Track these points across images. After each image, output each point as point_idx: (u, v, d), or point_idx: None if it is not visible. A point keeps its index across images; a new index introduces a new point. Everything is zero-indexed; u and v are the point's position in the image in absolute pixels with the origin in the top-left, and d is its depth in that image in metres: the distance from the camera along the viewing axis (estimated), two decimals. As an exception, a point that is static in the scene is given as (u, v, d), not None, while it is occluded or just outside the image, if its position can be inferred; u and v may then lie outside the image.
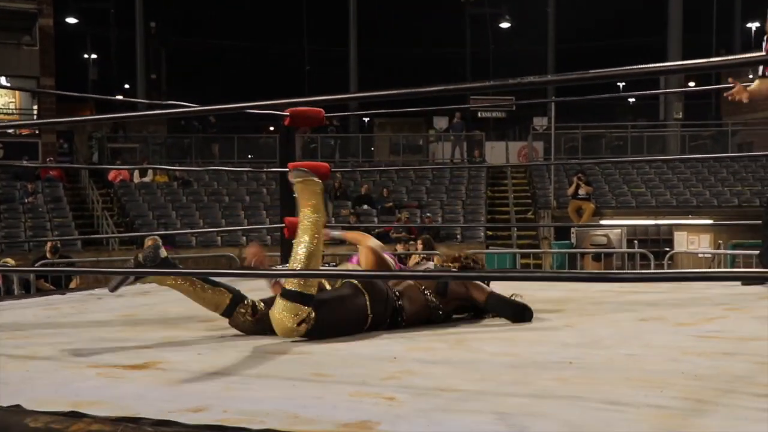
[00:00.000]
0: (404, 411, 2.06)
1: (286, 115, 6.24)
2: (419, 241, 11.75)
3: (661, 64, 1.94)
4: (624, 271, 3.33)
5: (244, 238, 17.17)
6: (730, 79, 4.43)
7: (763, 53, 1.60)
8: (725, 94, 4.66)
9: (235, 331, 3.38)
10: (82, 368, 2.66)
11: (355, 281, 3.37)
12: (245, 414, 2.02)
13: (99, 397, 2.22)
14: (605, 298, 4.44)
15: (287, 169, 6.27)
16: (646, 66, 1.93)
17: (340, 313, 3.26)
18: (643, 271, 3.10)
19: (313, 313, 3.15)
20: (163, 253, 3.22)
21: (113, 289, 3.23)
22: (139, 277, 3.26)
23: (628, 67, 2.02)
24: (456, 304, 3.66)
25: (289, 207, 6.43)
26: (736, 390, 2.26)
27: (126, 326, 3.61)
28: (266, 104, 3.12)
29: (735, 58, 1.74)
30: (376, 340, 3.19)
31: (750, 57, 1.67)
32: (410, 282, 3.54)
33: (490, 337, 3.22)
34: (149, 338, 3.26)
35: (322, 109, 6.39)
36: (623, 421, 1.94)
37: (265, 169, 16.26)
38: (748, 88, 4.46)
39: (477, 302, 3.65)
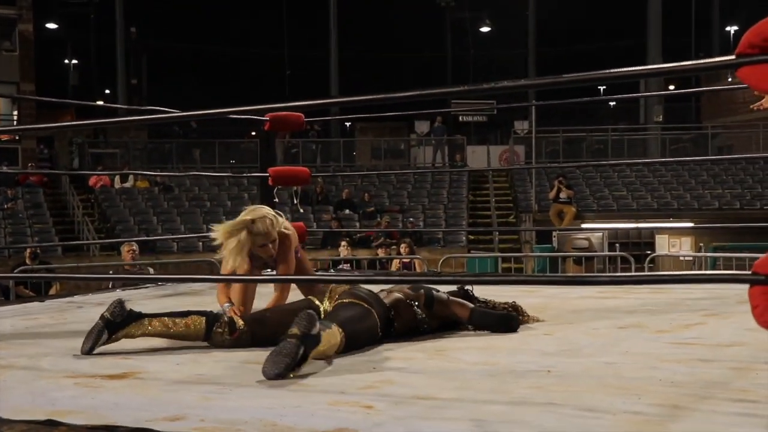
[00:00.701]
0: (381, 419, 2.07)
1: (266, 120, 6.25)
2: (404, 245, 11.77)
3: (639, 68, 1.96)
4: (598, 275, 3.31)
5: (226, 243, 17.09)
6: (755, 92, 4.46)
7: (734, 58, 1.62)
8: (753, 107, 4.70)
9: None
10: (60, 378, 2.65)
11: (359, 301, 3.28)
12: (222, 423, 2.02)
13: (75, 406, 2.21)
14: (584, 305, 4.45)
15: (267, 174, 6.30)
16: (623, 69, 1.93)
17: (362, 335, 3.16)
18: (618, 274, 3.11)
19: (344, 338, 3.01)
20: (128, 306, 3.20)
21: (88, 351, 3.09)
22: (112, 335, 3.17)
23: (607, 71, 2.03)
24: (441, 320, 3.63)
25: (270, 213, 6.43)
26: (712, 396, 2.28)
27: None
28: (246, 109, 3.14)
29: (712, 61, 1.76)
30: (356, 350, 3.18)
31: (725, 60, 1.68)
32: (398, 295, 3.49)
33: (468, 347, 3.22)
34: (128, 348, 3.24)
35: (301, 114, 6.39)
36: (599, 427, 1.95)
37: (245, 174, 16.20)
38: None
39: (461, 320, 3.61)
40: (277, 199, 6.50)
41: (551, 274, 11.67)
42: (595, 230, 16.30)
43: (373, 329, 3.23)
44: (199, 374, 2.71)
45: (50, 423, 1.97)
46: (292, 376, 2.59)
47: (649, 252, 13.55)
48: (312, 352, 2.71)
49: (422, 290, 3.54)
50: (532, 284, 3.94)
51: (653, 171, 21.80)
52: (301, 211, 18.47)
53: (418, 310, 3.48)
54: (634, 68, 1.88)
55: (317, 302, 3.41)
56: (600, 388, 2.40)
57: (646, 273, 9.82)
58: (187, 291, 5.37)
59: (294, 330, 2.69)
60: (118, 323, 3.16)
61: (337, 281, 3.56)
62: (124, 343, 3.38)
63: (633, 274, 3.91)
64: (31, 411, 2.13)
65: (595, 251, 14.80)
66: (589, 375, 2.62)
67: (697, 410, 2.11)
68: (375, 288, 3.51)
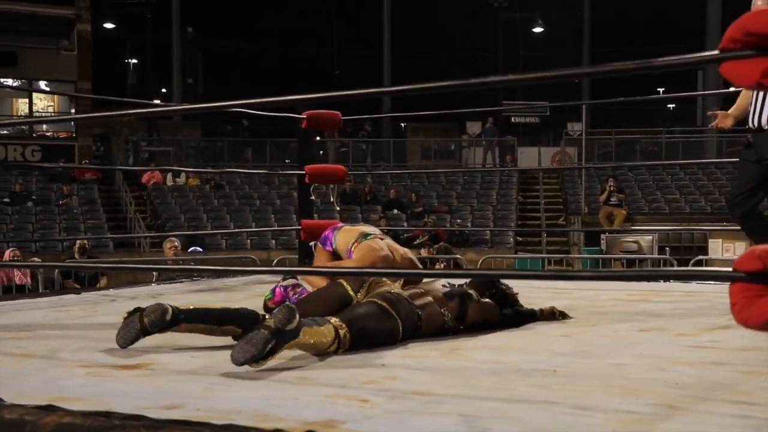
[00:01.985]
0: (373, 412, 2.09)
1: (303, 118, 6.32)
2: (424, 250, 11.79)
3: (635, 63, 1.94)
4: (580, 270, 3.29)
5: (273, 241, 17.28)
6: (708, 113, 4.42)
7: (717, 53, 1.60)
8: (711, 125, 4.67)
9: (234, 336, 3.40)
10: (74, 367, 2.72)
11: (382, 301, 3.20)
12: (217, 412, 2.06)
13: (81, 394, 2.27)
14: (612, 307, 4.41)
15: (304, 172, 6.37)
16: (627, 63, 1.91)
17: (375, 335, 3.11)
18: (600, 270, 3.04)
19: (348, 335, 2.97)
20: (169, 314, 3.04)
21: (123, 346, 3.01)
22: (147, 333, 3.04)
23: (662, 59, 1.94)
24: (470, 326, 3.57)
25: (306, 209, 6.49)
26: (713, 398, 2.26)
27: (129, 327, 3.66)
28: (278, 100, 3.11)
29: (695, 56, 1.75)
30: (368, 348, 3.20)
31: (709, 55, 1.67)
32: (431, 299, 3.39)
33: (483, 345, 3.21)
34: (148, 341, 3.29)
35: (338, 113, 6.46)
36: (587, 425, 1.95)
37: (279, 172, 16.35)
38: (730, 111, 4.45)
39: (491, 325, 3.58)
40: (313, 197, 6.55)
41: (531, 269, 11.38)
42: (645, 233, 16.08)
43: (392, 332, 3.16)
44: (210, 366, 2.75)
45: (48, 408, 2.03)
46: (256, 367, 2.59)
47: (701, 257, 13.33)
48: (286, 345, 2.68)
49: (457, 298, 3.44)
50: (512, 278, 3.87)
51: (708, 173, 21.43)
52: (338, 209, 18.51)
53: (448, 321, 3.41)
54: (628, 63, 1.87)
55: (351, 291, 3.38)
56: (602, 388, 2.39)
57: (629, 269, 9.64)
58: (221, 287, 5.45)
59: (269, 322, 2.69)
60: (154, 332, 3.06)
61: (377, 274, 3.48)
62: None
63: (612, 270, 3.82)
64: (37, 397, 2.19)
65: (645, 254, 14.62)
66: (594, 375, 2.61)
67: (692, 411, 2.10)
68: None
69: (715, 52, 1.61)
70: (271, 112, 7.14)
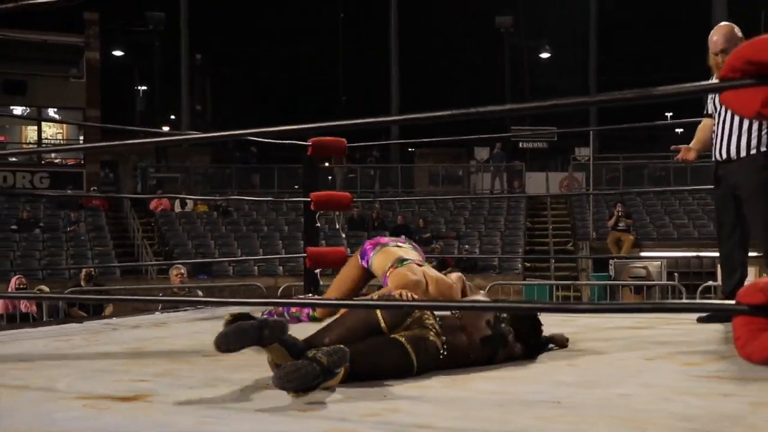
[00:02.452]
0: (371, 448, 2.04)
1: (309, 145, 6.32)
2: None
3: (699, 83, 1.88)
4: (578, 303, 3.23)
5: (281, 267, 17.26)
6: (672, 147, 4.41)
7: (717, 82, 1.57)
8: (674, 159, 4.70)
9: (236, 366, 3.35)
10: (71, 400, 2.68)
11: (404, 341, 3.06)
12: (211, 448, 2.02)
13: (75, 428, 2.24)
14: (618, 335, 4.36)
15: (309, 199, 6.35)
16: (681, 86, 1.86)
17: (378, 372, 2.99)
18: (599, 302, 3.02)
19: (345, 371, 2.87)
20: (288, 331, 2.81)
21: (229, 350, 2.75)
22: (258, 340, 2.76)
23: (667, 87, 1.92)
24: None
25: (311, 236, 6.47)
26: (719, 430, 2.21)
27: (130, 359, 3.63)
28: (286, 129, 3.07)
29: (696, 85, 1.72)
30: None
31: (709, 84, 1.64)
32: (464, 340, 3.25)
33: (487, 376, 3.15)
34: (148, 371, 3.26)
35: (344, 140, 6.46)
36: (589, 461, 1.90)
37: (285, 199, 16.38)
38: (692, 145, 4.44)
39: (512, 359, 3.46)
40: (319, 224, 6.53)
41: (525, 301, 11.39)
42: (654, 259, 16.01)
43: (402, 370, 3.05)
44: (207, 398, 2.71)
45: (38, 444, 1.99)
46: (294, 397, 2.55)
47: (710, 282, 13.24)
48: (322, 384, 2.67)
49: (489, 347, 3.30)
50: (497, 310, 3.78)
51: (716, 199, 21.30)
52: (343, 236, 18.50)
53: (472, 360, 3.28)
54: (627, 92, 1.85)
55: (382, 322, 3.13)
56: (605, 419, 2.34)
57: (631, 302, 9.59)
58: (224, 315, 5.39)
59: (322, 358, 2.63)
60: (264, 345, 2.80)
61: (412, 306, 3.33)
62: (147, 366, 3.42)
63: (612, 302, 3.78)
64: (29, 431, 2.15)
65: (654, 280, 14.52)
66: (599, 406, 2.55)
67: (697, 446, 2.05)
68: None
69: (715, 81, 1.58)
70: (276, 139, 7.14)
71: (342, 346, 2.77)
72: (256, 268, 17.25)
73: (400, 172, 24.84)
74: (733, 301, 1.58)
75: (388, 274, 4.07)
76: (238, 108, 31.93)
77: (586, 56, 29.30)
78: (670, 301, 3.64)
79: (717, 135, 4.41)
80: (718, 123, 4.47)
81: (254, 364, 3.45)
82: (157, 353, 3.81)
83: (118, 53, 29.30)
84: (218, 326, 4.85)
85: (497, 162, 24.28)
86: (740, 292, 1.55)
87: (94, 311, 8.94)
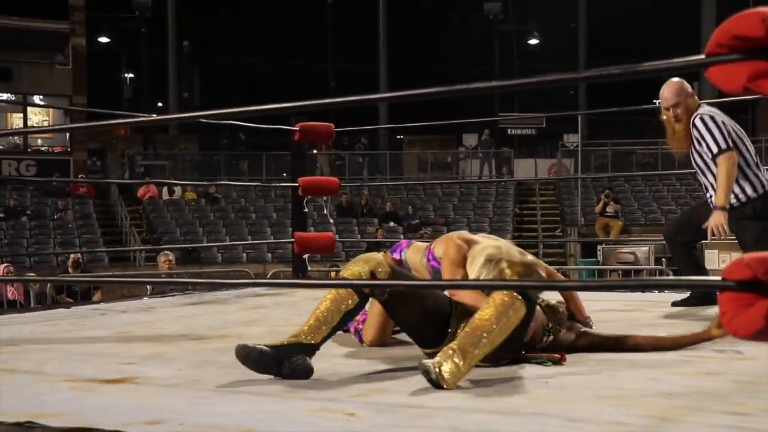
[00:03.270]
0: (360, 427, 2.05)
1: (296, 130, 6.30)
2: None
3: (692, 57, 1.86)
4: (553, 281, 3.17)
5: (269, 254, 17.24)
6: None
7: (703, 57, 1.57)
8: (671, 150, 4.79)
9: (223, 349, 3.35)
10: (58, 382, 2.68)
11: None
12: (200, 427, 2.02)
13: (62, 409, 2.23)
14: (606, 317, 4.36)
15: (297, 185, 6.33)
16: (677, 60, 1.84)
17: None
18: (581, 280, 2.97)
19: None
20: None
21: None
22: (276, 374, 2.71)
23: (656, 62, 1.91)
24: None
25: (299, 222, 6.45)
26: (705, 408, 2.22)
27: (118, 342, 3.62)
28: (273, 108, 3.01)
29: (682, 61, 1.72)
30: (363, 359, 3.16)
31: (694, 60, 1.64)
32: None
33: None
34: (136, 354, 3.26)
35: (331, 125, 6.44)
36: (577, 438, 1.91)
37: (273, 185, 16.33)
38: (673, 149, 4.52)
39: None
40: (306, 209, 6.51)
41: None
42: (642, 243, 16.03)
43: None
44: (196, 380, 2.71)
45: (26, 425, 1.99)
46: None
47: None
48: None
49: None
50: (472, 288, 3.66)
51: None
52: (331, 221, 18.48)
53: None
54: (613, 68, 1.84)
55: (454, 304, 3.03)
56: (594, 399, 2.35)
57: (621, 279, 9.64)
58: (213, 300, 5.41)
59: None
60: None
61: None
62: (135, 349, 3.42)
63: (604, 280, 3.75)
64: (15, 413, 2.15)
65: (642, 265, 14.56)
66: (586, 386, 2.56)
67: (684, 422, 2.06)
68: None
69: (701, 56, 1.58)
70: (264, 125, 7.11)
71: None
72: (244, 254, 17.21)
73: (389, 158, 24.81)
74: (718, 278, 1.58)
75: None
76: (226, 95, 31.75)
77: (575, 43, 29.29)
78: (657, 277, 3.62)
79: (704, 185, 4.51)
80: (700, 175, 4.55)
81: (242, 347, 3.46)
82: (145, 337, 3.80)
83: (104, 40, 29.06)
84: (205, 310, 4.88)
85: (486, 148, 24.27)
86: (726, 268, 1.56)
87: (82, 297, 8.92)
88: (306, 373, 2.69)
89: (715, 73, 1.55)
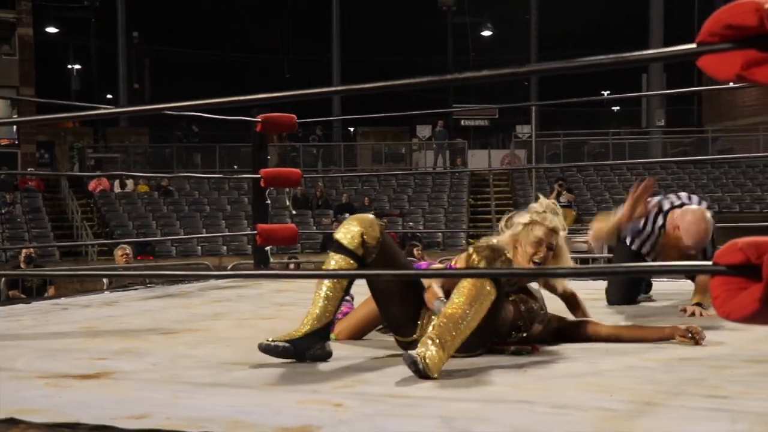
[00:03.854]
0: (348, 416, 2.04)
1: (258, 121, 6.25)
2: (417, 249, 11.83)
3: (642, 52, 1.89)
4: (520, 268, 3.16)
5: (224, 247, 17.12)
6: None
7: (695, 46, 1.58)
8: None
9: (194, 343, 3.33)
10: (31, 378, 2.62)
11: None
12: (187, 420, 2.00)
13: (41, 405, 2.18)
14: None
15: (259, 176, 6.29)
16: (625, 54, 1.87)
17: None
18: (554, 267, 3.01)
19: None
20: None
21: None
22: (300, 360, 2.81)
23: (608, 56, 1.95)
24: None
25: (261, 213, 6.40)
26: (685, 392, 2.26)
27: (85, 338, 3.56)
28: (235, 100, 2.98)
29: (674, 50, 1.73)
30: (338, 351, 3.14)
31: (686, 49, 1.66)
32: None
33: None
34: (106, 349, 3.21)
35: (294, 116, 6.40)
36: (566, 423, 1.93)
37: (235, 176, 16.18)
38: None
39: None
40: (269, 201, 6.47)
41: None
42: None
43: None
44: (173, 374, 2.68)
45: (9, 421, 1.94)
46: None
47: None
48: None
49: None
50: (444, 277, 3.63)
51: (653, 174, 21.75)
52: (294, 212, 18.45)
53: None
54: (604, 57, 1.86)
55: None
56: (575, 386, 2.38)
57: (595, 266, 9.75)
58: (177, 293, 5.35)
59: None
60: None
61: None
62: (104, 344, 3.37)
63: (604, 266, 3.78)
64: (-5, 409, 2.10)
65: (595, 254, 14.73)
66: (565, 374, 2.59)
67: (667, 406, 2.09)
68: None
69: (693, 45, 1.60)
70: (224, 116, 7.03)
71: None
72: (199, 247, 17.07)
73: (343, 150, 24.78)
74: (709, 262, 1.60)
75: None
76: (177, 87, 31.42)
77: (527, 34, 29.51)
78: (647, 264, 3.61)
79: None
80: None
81: (211, 340, 3.43)
82: (113, 332, 3.74)
83: (52, 30, 28.56)
84: (170, 304, 4.83)
85: (439, 140, 24.36)
86: (718, 252, 1.58)
87: (37, 293, 8.76)
88: (326, 358, 2.83)
89: (707, 62, 1.57)
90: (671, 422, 1.92)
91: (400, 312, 3.01)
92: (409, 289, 3.00)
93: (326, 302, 2.85)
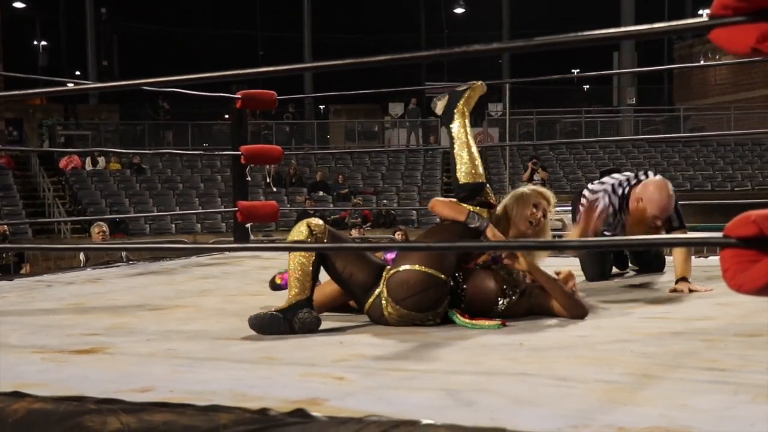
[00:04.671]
0: (353, 389, 2.05)
1: (238, 98, 6.21)
2: (400, 233, 11.92)
3: (614, 30, 1.91)
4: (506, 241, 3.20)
5: (198, 225, 17.03)
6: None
7: (707, 20, 1.60)
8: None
9: (185, 319, 3.32)
10: (27, 353, 2.61)
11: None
12: (192, 393, 1.99)
13: (42, 379, 2.18)
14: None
15: (239, 153, 6.25)
16: (596, 32, 1.88)
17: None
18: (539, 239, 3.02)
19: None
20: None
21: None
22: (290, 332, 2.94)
23: (580, 33, 1.97)
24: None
25: (241, 190, 6.38)
26: (682, 365, 2.29)
27: (74, 314, 3.54)
28: (215, 75, 2.96)
29: (685, 23, 1.75)
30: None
31: (698, 22, 1.67)
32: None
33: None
34: (97, 325, 3.20)
35: (274, 92, 6.36)
36: (571, 396, 1.94)
37: (217, 152, 16.08)
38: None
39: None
40: (249, 179, 6.44)
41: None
42: (569, 211, 16.32)
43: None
44: (170, 348, 2.68)
45: (16, 395, 1.93)
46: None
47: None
48: None
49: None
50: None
51: (626, 153, 21.93)
52: (275, 190, 18.39)
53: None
54: (608, 30, 1.86)
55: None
56: (572, 359, 2.40)
57: (615, 238, 9.83)
58: (159, 270, 5.32)
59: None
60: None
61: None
62: (94, 320, 3.35)
63: (606, 239, 3.79)
64: (-4, 384, 2.09)
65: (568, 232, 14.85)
66: (561, 347, 2.62)
67: (666, 379, 2.12)
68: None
69: (705, 19, 1.61)
70: (201, 92, 6.96)
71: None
72: (173, 225, 16.96)
73: (316, 128, 24.68)
74: (719, 234, 1.62)
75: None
76: (147, 64, 31.10)
77: (499, 10, 29.49)
78: (656, 236, 3.57)
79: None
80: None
81: (201, 316, 3.43)
82: (101, 308, 3.72)
83: (18, 5, 28.09)
84: (155, 281, 4.81)
85: (412, 118, 24.33)
86: (729, 224, 1.59)
87: (13, 270, 8.68)
88: (315, 323, 2.98)
89: (720, 36, 1.58)
90: (674, 393, 1.94)
91: (356, 287, 3.17)
92: (362, 268, 3.15)
93: (302, 280, 3.05)
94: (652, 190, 4.05)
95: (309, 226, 3.14)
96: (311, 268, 3.07)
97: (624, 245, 4.02)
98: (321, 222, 3.18)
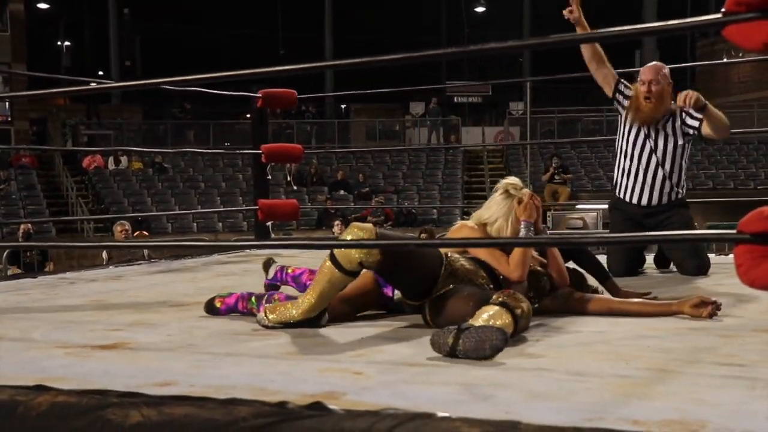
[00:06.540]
0: (371, 383, 2.08)
1: (259, 97, 6.25)
2: (425, 235, 11.90)
3: (631, 27, 1.92)
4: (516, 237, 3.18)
5: (220, 224, 17.12)
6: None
7: (720, 16, 1.61)
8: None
9: (206, 316, 3.34)
10: (50, 348, 2.65)
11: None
12: (212, 388, 2.02)
13: (65, 374, 2.21)
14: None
15: (260, 151, 6.29)
16: (610, 29, 1.91)
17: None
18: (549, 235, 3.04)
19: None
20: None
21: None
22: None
23: (599, 31, 2.00)
24: None
25: (263, 189, 6.42)
26: (699, 360, 2.30)
27: (96, 310, 3.59)
28: (235, 74, 2.99)
29: (700, 20, 1.76)
30: (346, 323, 3.17)
31: (712, 19, 1.68)
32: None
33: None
34: (119, 321, 3.24)
35: (294, 91, 6.40)
36: (587, 390, 1.96)
37: (238, 151, 16.15)
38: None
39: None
40: (270, 177, 6.48)
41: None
42: (590, 210, 16.27)
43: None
44: (190, 344, 2.71)
45: (39, 388, 1.97)
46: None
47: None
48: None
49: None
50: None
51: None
52: (295, 189, 18.46)
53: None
54: (623, 28, 1.87)
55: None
56: (588, 354, 2.41)
57: (626, 234, 9.81)
58: (181, 268, 5.37)
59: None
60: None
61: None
62: (116, 316, 3.39)
63: (631, 234, 3.78)
64: (20, 378, 2.13)
65: (590, 230, 14.79)
66: (577, 342, 2.63)
67: (683, 374, 2.13)
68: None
69: (718, 15, 1.62)
70: (223, 91, 7.01)
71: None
72: (194, 224, 17.07)
73: (337, 127, 24.74)
74: (733, 231, 1.63)
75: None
76: (169, 63, 31.26)
77: (520, 9, 29.43)
78: (663, 232, 3.58)
79: (637, 181, 4.56)
80: (634, 168, 4.64)
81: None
82: (123, 305, 3.77)
83: (43, 6, 28.35)
84: (177, 278, 4.85)
85: (433, 117, 24.35)
86: (743, 220, 1.60)
87: (37, 269, 8.77)
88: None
89: (733, 32, 1.59)
90: (690, 388, 1.95)
91: (417, 287, 3.01)
92: (422, 267, 2.99)
93: (321, 299, 2.93)
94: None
95: (360, 263, 2.85)
96: (334, 295, 2.97)
97: (642, 241, 4.00)
98: (377, 254, 2.85)
